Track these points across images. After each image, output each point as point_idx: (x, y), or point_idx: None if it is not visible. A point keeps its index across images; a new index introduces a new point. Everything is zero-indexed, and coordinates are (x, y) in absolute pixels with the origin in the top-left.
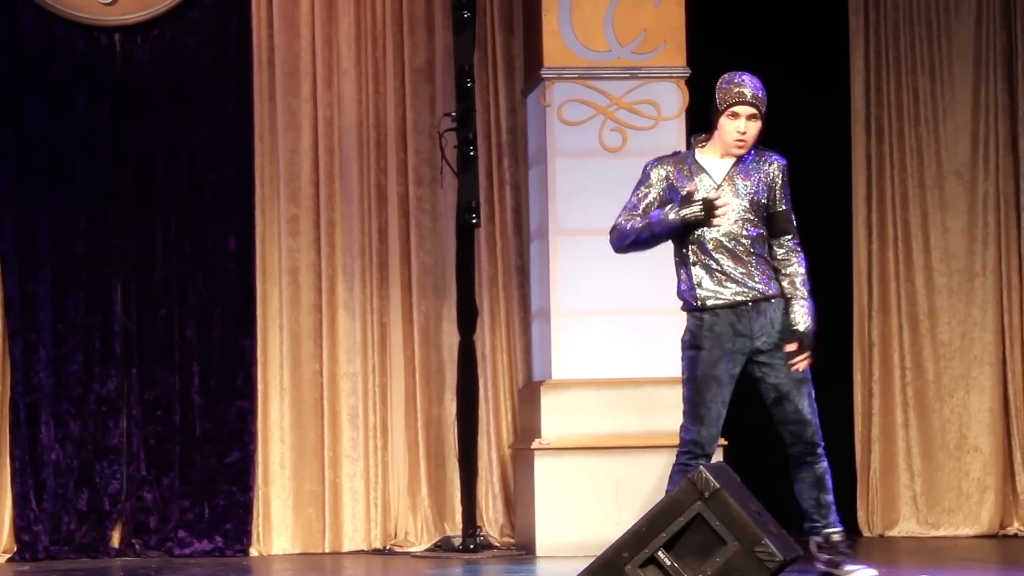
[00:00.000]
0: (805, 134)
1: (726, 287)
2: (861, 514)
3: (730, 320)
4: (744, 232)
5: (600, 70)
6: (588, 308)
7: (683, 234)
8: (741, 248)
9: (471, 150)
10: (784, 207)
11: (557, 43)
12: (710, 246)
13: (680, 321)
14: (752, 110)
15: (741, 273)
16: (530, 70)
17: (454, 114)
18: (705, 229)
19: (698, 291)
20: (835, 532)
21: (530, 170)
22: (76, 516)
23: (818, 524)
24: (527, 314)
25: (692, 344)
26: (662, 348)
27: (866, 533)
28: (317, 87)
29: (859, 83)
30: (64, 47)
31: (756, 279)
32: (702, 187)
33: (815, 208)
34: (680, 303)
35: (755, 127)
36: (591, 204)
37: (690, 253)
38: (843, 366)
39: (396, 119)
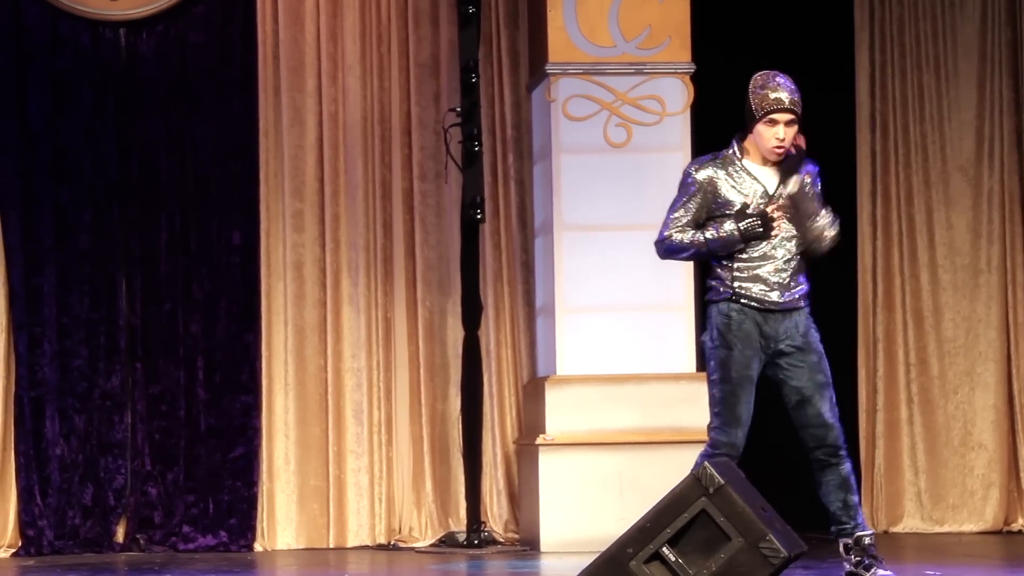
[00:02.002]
0: (810, 129)
1: (761, 291)
2: (865, 510)
3: (757, 320)
4: (789, 243)
5: (605, 66)
6: (592, 304)
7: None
8: (784, 257)
9: (476, 145)
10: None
11: (562, 38)
12: (755, 253)
13: (684, 317)
14: (790, 116)
15: (779, 282)
16: (535, 65)
17: (459, 109)
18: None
19: (734, 285)
20: (865, 535)
21: (535, 166)
22: (81, 511)
23: (847, 526)
24: (531, 310)
25: (722, 343)
26: (667, 344)
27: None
28: (322, 82)
29: (864, 79)
30: (69, 42)
31: (792, 288)
32: (755, 197)
33: None
34: (706, 294)
35: (792, 132)
36: (596, 200)
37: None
38: (847, 362)
39: (401, 114)
